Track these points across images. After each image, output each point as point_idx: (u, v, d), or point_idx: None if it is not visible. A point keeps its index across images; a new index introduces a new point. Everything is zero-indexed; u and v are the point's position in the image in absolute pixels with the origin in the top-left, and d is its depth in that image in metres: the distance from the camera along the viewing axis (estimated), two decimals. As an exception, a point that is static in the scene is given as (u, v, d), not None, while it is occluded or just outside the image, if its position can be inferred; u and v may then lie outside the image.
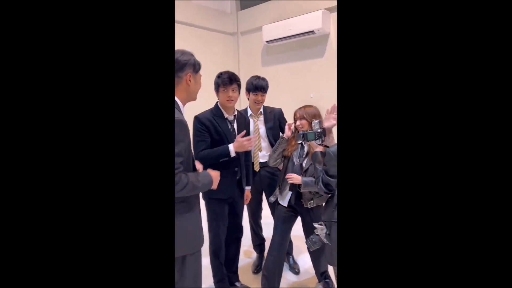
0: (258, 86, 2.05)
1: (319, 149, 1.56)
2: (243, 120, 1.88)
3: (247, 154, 1.92)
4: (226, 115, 1.76)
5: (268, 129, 2.11)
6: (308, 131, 1.53)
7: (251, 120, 2.09)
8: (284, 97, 3.66)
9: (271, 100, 3.80)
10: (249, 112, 2.13)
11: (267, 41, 3.73)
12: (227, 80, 1.69)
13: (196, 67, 1.32)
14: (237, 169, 1.80)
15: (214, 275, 1.85)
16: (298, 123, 1.70)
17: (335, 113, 1.56)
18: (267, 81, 2.10)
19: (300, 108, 1.73)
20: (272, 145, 2.08)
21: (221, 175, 1.42)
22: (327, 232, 1.40)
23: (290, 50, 3.72)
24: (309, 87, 3.55)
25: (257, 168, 2.13)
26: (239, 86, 1.75)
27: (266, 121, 2.13)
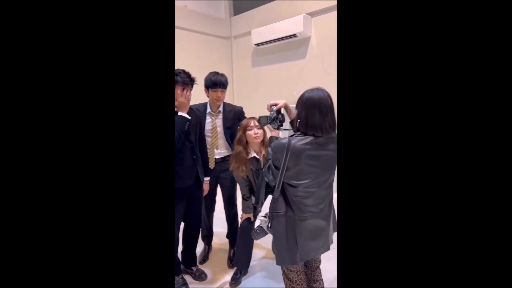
0: (217, 82, 1.96)
1: (274, 133, 1.55)
2: (193, 115, 1.83)
3: (202, 144, 1.93)
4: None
5: (226, 129, 2.05)
6: (262, 116, 1.52)
7: (209, 118, 2.04)
8: (271, 94, 3.96)
9: (261, 96, 4.23)
10: (208, 109, 2.05)
11: (255, 44, 4.03)
12: (187, 80, 1.68)
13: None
14: (195, 156, 1.79)
15: None
16: (257, 131, 1.76)
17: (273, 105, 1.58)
18: (226, 77, 2.01)
19: (249, 118, 1.82)
20: (229, 144, 2.06)
21: (180, 163, 1.54)
22: (268, 225, 1.47)
23: (276, 52, 4.02)
24: (293, 85, 3.85)
25: (212, 165, 2.08)
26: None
27: (224, 121, 2.06)
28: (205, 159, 1.96)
